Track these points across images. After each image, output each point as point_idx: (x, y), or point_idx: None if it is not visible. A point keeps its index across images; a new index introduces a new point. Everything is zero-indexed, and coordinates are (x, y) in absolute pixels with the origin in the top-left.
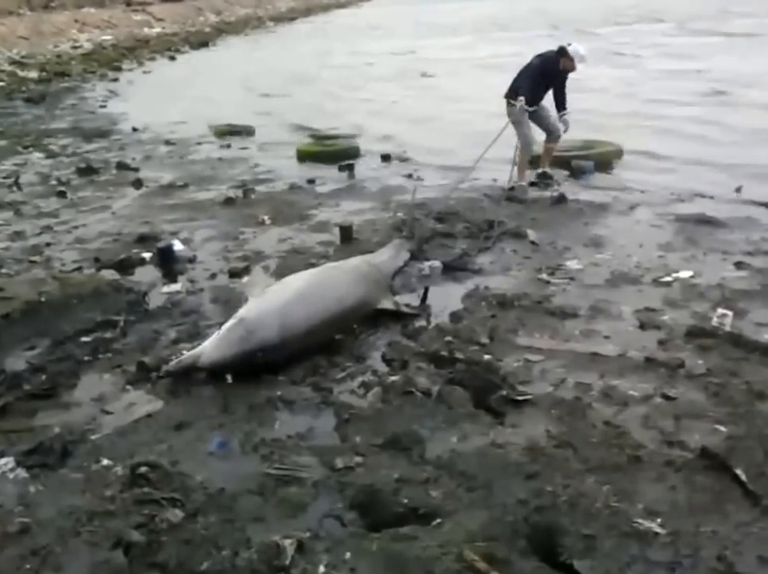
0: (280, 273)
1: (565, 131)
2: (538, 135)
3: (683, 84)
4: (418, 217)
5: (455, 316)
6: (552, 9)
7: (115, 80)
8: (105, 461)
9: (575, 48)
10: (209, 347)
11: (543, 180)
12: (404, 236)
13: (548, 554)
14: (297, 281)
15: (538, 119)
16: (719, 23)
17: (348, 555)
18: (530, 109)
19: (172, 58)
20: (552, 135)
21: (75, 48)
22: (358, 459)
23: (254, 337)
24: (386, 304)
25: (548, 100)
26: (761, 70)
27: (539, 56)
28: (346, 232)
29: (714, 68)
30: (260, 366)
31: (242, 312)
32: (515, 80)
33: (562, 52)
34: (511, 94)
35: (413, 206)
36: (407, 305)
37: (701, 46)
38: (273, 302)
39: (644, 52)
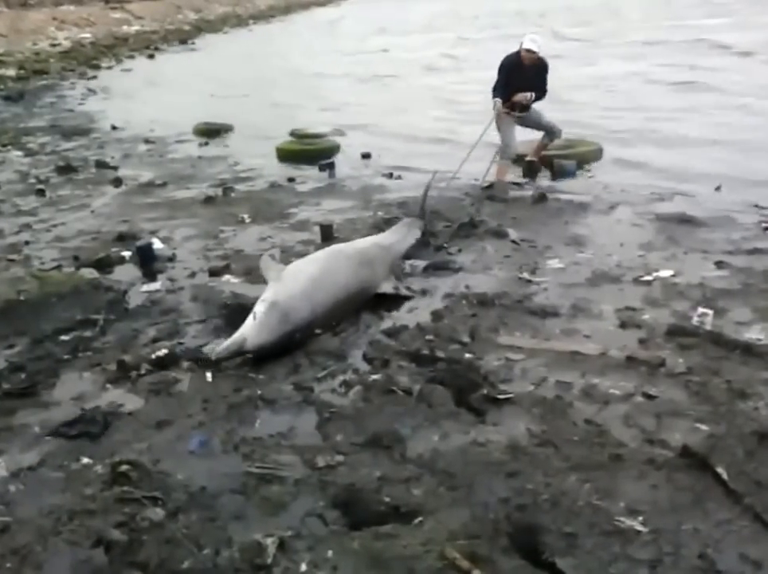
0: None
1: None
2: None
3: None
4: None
5: (436, 315)
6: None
7: (94, 77)
8: (85, 460)
9: (526, 39)
10: (252, 333)
11: (529, 170)
12: (416, 215)
13: (530, 552)
14: (312, 265)
15: (533, 123)
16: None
17: (330, 553)
18: (521, 114)
19: (151, 56)
20: (553, 133)
21: (53, 46)
22: (340, 458)
23: (291, 319)
24: (387, 287)
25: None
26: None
27: (506, 59)
28: (327, 231)
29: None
30: (294, 346)
31: (271, 296)
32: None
33: (519, 51)
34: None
35: (429, 187)
36: (408, 288)
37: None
38: (298, 285)
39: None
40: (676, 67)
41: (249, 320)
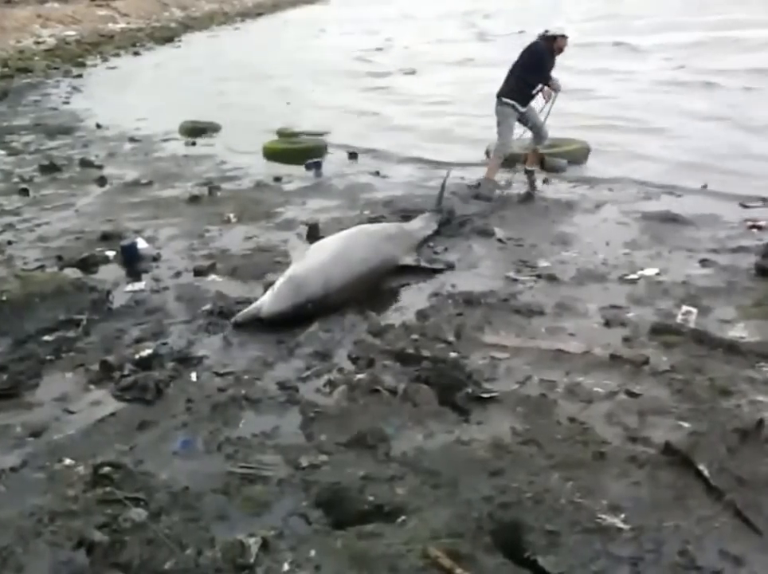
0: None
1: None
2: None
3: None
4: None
5: (421, 314)
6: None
7: (79, 76)
8: (68, 461)
9: (557, 27)
10: (267, 302)
11: (530, 178)
12: (434, 210)
13: (512, 550)
14: (333, 243)
15: (528, 120)
16: None
17: (313, 553)
18: (523, 110)
19: (137, 54)
20: (540, 137)
21: (38, 43)
22: (324, 457)
23: (303, 291)
24: (408, 260)
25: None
26: None
27: (532, 50)
28: (313, 230)
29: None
30: (308, 315)
31: (290, 271)
32: (513, 80)
33: (550, 38)
34: (508, 93)
35: (445, 183)
36: (428, 261)
37: None
38: (316, 262)
39: None
40: (658, 65)
41: (269, 291)
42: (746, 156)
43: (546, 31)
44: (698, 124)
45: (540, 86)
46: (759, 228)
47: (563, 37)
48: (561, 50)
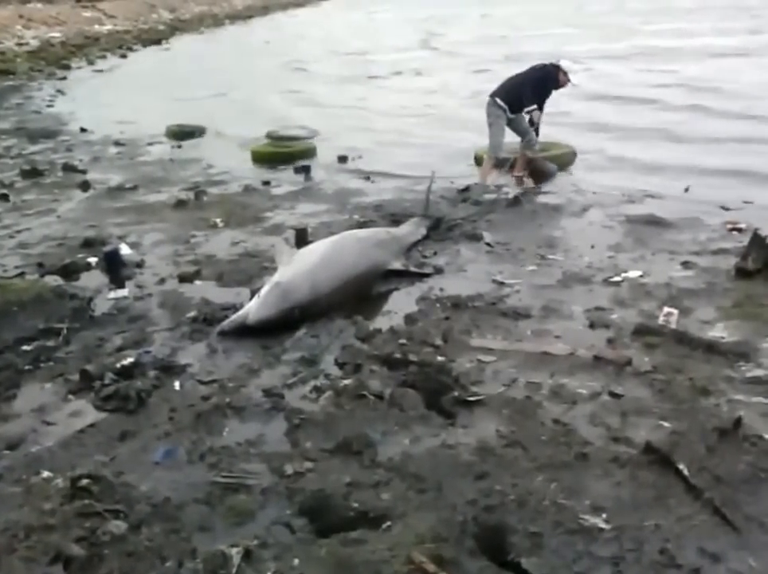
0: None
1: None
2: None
3: None
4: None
5: (409, 318)
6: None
7: (64, 78)
8: (45, 474)
9: (568, 67)
10: (254, 309)
11: (520, 184)
12: (423, 215)
13: (496, 553)
14: (321, 248)
15: (516, 125)
16: None
17: (296, 561)
18: (512, 116)
19: (123, 56)
20: (529, 143)
21: (20, 45)
22: (309, 464)
23: (290, 297)
24: (396, 265)
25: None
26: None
27: (539, 68)
28: (302, 235)
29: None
30: (295, 321)
31: (277, 277)
32: (511, 86)
33: (558, 69)
34: (504, 96)
35: (430, 187)
36: (417, 266)
37: None
38: (302, 267)
39: None
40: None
41: (255, 298)
42: (733, 158)
43: (559, 60)
44: (688, 127)
45: (534, 106)
46: (739, 230)
47: (566, 75)
48: (559, 86)
